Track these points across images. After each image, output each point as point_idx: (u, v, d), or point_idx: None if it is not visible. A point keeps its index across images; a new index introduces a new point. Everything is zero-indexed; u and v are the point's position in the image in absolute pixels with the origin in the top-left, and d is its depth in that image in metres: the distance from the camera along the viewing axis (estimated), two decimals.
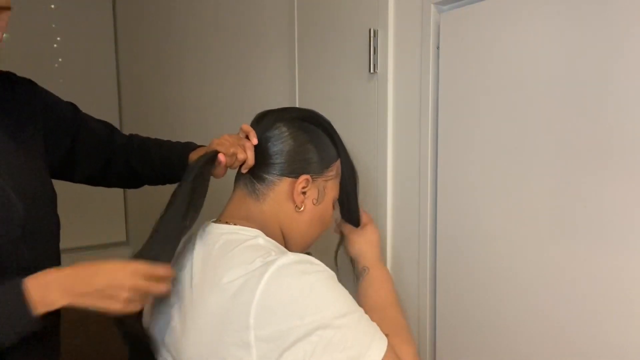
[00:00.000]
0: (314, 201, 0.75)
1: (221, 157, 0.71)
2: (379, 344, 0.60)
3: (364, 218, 0.86)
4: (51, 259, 0.81)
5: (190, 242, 0.73)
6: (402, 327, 0.69)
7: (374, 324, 0.63)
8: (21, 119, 0.82)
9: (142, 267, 0.62)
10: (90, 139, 0.93)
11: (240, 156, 0.71)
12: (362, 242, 0.81)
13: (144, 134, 1.06)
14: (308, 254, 0.82)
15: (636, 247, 0.62)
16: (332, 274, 0.64)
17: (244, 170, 0.74)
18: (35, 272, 0.73)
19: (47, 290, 0.62)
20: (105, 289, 0.61)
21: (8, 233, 0.72)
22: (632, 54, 0.61)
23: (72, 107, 0.94)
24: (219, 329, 0.61)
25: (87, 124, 0.94)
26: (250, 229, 0.70)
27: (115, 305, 0.62)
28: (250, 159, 0.72)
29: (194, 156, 0.90)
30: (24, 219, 0.74)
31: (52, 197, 0.84)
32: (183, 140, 1.05)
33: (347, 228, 0.86)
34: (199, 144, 1.00)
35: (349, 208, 0.82)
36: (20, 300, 0.61)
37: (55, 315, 0.82)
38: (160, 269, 0.63)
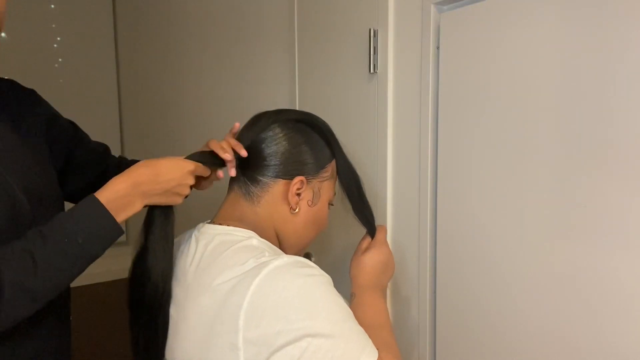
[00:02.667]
0: (309, 202, 0.75)
1: (220, 173, 0.73)
2: (369, 357, 0.59)
3: (377, 235, 0.83)
4: None
5: (185, 242, 0.73)
6: (391, 345, 0.67)
7: (366, 335, 0.61)
8: (27, 124, 0.82)
9: (195, 168, 0.71)
10: (85, 155, 0.93)
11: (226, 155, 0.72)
12: (355, 267, 0.80)
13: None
14: (307, 254, 0.82)
15: (636, 247, 0.62)
16: (328, 278, 0.63)
17: (231, 174, 0.73)
18: None
19: (124, 198, 0.67)
20: (173, 188, 0.69)
21: (14, 232, 0.69)
22: (632, 55, 0.61)
23: (72, 123, 0.95)
24: (210, 330, 0.60)
25: (84, 140, 0.95)
26: (244, 230, 0.70)
27: (178, 200, 0.71)
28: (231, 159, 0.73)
29: None
30: (31, 219, 0.73)
31: (60, 198, 0.83)
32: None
33: (361, 244, 0.84)
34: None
35: (355, 208, 0.81)
36: (103, 211, 0.66)
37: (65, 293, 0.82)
38: (205, 171, 0.73)
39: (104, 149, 0.99)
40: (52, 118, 0.88)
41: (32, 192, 0.74)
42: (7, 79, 0.84)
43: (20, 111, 0.82)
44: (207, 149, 0.73)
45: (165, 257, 0.69)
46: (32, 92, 0.87)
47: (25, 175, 0.75)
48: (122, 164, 0.98)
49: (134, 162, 1.00)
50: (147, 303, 0.68)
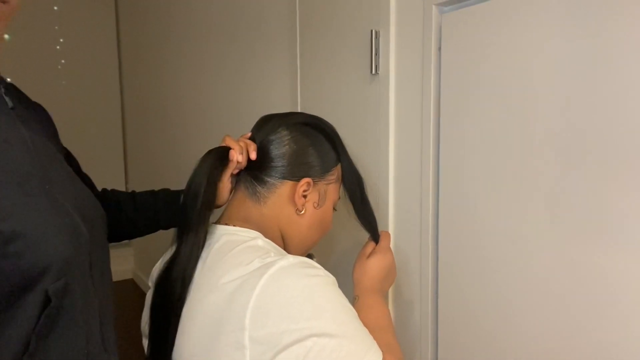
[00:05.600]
0: (315, 204, 0.75)
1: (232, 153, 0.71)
2: (374, 357, 0.59)
3: (382, 241, 0.84)
4: (110, 292, 0.72)
5: None
6: (394, 347, 0.67)
7: (371, 336, 0.62)
8: (57, 142, 0.77)
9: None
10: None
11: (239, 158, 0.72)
12: (358, 271, 0.80)
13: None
14: (310, 255, 0.82)
15: (637, 247, 0.62)
16: (333, 279, 0.63)
17: (234, 172, 0.74)
18: (102, 312, 0.65)
19: None
20: None
21: (76, 256, 0.61)
22: (632, 55, 0.61)
23: (66, 148, 0.87)
24: (215, 330, 0.60)
25: (80, 171, 0.88)
26: (249, 230, 0.70)
27: None
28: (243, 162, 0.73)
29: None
30: (88, 240, 0.64)
31: (104, 218, 0.74)
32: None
33: (365, 249, 0.84)
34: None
35: (358, 212, 0.81)
36: None
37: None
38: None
39: (91, 182, 0.91)
40: (67, 151, 0.83)
41: (84, 215, 0.66)
42: (33, 100, 0.77)
43: (49, 134, 0.76)
44: (223, 144, 0.73)
45: (194, 263, 0.68)
46: (43, 108, 0.80)
47: (74, 196, 0.67)
48: (103, 197, 0.91)
49: (115, 192, 0.95)
50: (166, 306, 0.67)
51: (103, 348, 0.65)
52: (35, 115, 0.74)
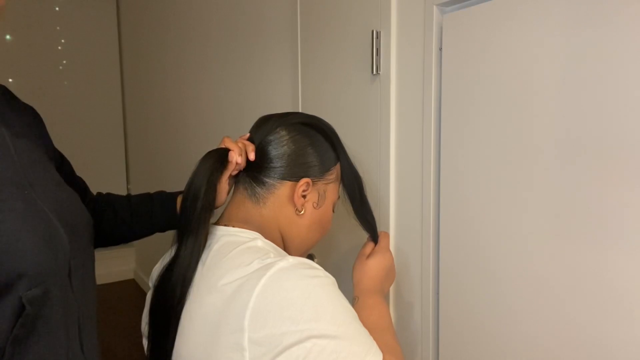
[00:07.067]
0: (314, 204, 0.75)
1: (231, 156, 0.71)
2: (374, 358, 0.59)
3: (381, 242, 0.84)
4: (92, 297, 0.71)
5: None
6: (395, 348, 0.67)
7: (371, 337, 0.62)
8: (44, 144, 0.77)
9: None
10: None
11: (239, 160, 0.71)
12: (358, 271, 0.81)
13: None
14: (310, 256, 0.82)
15: (637, 247, 0.62)
16: (333, 280, 0.63)
17: (233, 173, 0.74)
18: (81, 319, 0.64)
19: None
20: None
21: (54, 263, 0.60)
22: (633, 56, 0.61)
23: (60, 152, 0.86)
24: (215, 331, 0.60)
25: (72, 173, 0.88)
26: (249, 231, 0.70)
27: None
28: (243, 163, 0.72)
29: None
30: (67, 247, 0.63)
31: (90, 223, 0.73)
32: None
33: (364, 249, 0.84)
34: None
35: (357, 212, 0.81)
36: None
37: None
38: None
39: (85, 185, 0.91)
40: (62, 156, 0.83)
41: (65, 220, 0.65)
42: (28, 104, 0.76)
43: (44, 139, 0.76)
44: (222, 146, 0.73)
45: (194, 266, 0.68)
46: (34, 110, 0.79)
47: (57, 201, 0.66)
48: (98, 201, 0.91)
49: (110, 196, 0.94)
50: (166, 309, 0.67)
51: (82, 355, 0.64)
52: (22, 119, 0.73)
